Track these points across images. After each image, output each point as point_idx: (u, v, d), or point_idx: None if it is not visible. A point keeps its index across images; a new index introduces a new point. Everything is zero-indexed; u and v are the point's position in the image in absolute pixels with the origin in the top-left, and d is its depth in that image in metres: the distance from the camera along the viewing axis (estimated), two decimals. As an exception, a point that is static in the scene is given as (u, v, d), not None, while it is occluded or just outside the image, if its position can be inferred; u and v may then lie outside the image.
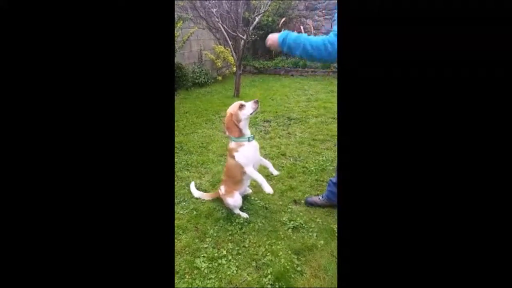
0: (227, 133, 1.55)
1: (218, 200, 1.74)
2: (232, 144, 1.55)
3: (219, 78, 5.49)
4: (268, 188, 1.48)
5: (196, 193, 1.82)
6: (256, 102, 1.50)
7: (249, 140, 1.54)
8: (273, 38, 1.33)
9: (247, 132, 1.55)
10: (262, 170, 1.66)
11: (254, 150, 1.57)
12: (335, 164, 2.22)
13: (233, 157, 1.55)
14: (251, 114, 1.50)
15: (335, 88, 4.43)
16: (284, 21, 6.32)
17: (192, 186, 1.86)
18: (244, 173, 1.56)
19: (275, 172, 1.63)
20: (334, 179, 1.66)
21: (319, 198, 1.72)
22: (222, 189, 1.66)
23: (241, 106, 1.49)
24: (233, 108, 1.50)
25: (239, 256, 1.36)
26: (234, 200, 1.60)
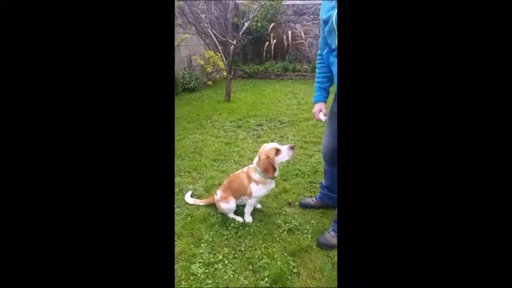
0: (263, 173, 1.51)
1: (213, 205, 1.73)
2: (256, 176, 1.54)
3: (210, 83, 5.50)
4: (246, 218, 1.62)
5: (190, 200, 1.81)
6: (292, 148, 1.49)
7: (272, 179, 1.55)
8: (316, 109, 1.47)
9: (276, 171, 1.54)
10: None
11: (270, 190, 1.60)
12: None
13: (249, 181, 1.56)
14: (286, 161, 1.51)
15: (324, 91, 4.51)
16: (273, 26, 6.40)
17: (188, 195, 1.85)
18: (246, 195, 1.59)
19: (258, 206, 1.76)
20: (323, 181, 1.70)
21: (313, 200, 1.75)
22: (218, 194, 1.65)
23: (277, 152, 1.48)
24: (269, 152, 1.48)
25: (236, 260, 1.36)
26: (229, 205, 1.60)
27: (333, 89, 1.46)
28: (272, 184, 1.59)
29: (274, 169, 1.49)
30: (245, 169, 1.64)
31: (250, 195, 1.57)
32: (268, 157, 1.47)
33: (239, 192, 1.60)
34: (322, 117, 1.41)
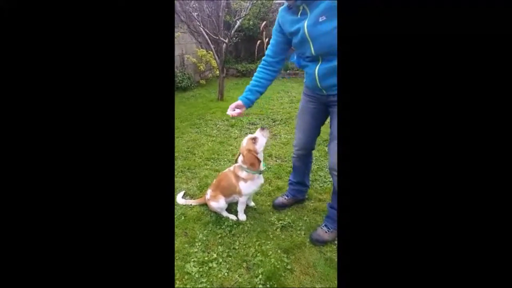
0: (250, 168, 1.50)
1: (206, 204, 1.73)
2: (243, 174, 1.53)
3: (202, 81, 5.47)
4: (241, 217, 1.63)
5: (182, 201, 1.79)
6: (263, 129, 1.50)
7: (260, 173, 1.55)
8: (236, 106, 1.42)
9: (261, 165, 1.54)
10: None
11: (259, 185, 1.59)
12: (319, 163, 2.28)
13: (237, 179, 1.55)
14: (265, 143, 1.51)
15: (317, 89, 4.53)
16: (265, 24, 6.40)
17: (179, 196, 1.84)
18: (236, 193, 1.59)
19: (251, 204, 1.76)
20: (292, 177, 1.74)
21: (285, 198, 1.76)
22: (208, 193, 1.66)
23: (254, 140, 1.48)
24: (248, 145, 1.48)
25: (230, 258, 1.37)
26: (218, 203, 1.61)
27: (301, 88, 1.50)
28: (260, 180, 1.58)
29: (259, 161, 1.50)
30: (232, 167, 1.64)
31: (240, 193, 1.57)
32: (249, 150, 1.48)
33: (228, 191, 1.60)
34: (229, 111, 1.41)
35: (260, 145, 1.49)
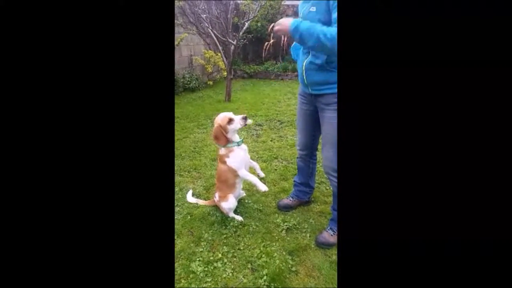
0: (214, 141, 1.57)
1: (216, 206, 1.74)
2: (222, 151, 1.57)
3: (210, 83, 5.51)
4: (262, 187, 1.52)
5: (192, 200, 1.82)
6: (245, 118, 1.53)
7: (238, 145, 1.57)
8: (284, 23, 1.20)
9: (236, 138, 1.58)
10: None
11: (244, 153, 1.61)
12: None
13: (224, 162, 1.57)
14: (238, 129, 1.54)
15: (324, 91, 4.51)
16: (273, 26, 6.41)
17: (189, 194, 1.86)
18: (237, 176, 1.59)
19: (262, 174, 1.69)
20: (296, 178, 1.75)
21: (289, 199, 1.76)
22: (216, 196, 1.67)
23: (230, 121, 1.51)
24: (222, 120, 1.52)
25: (235, 259, 1.38)
26: (229, 203, 1.61)
27: (297, 87, 1.50)
28: (243, 147, 1.60)
29: (226, 139, 1.52)
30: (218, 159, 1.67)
31: (235, 172, 1.56)
32: (220, 125, 1.51)
33: (230, 178, 1.59)
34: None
35: (232, 128, 1.53)
